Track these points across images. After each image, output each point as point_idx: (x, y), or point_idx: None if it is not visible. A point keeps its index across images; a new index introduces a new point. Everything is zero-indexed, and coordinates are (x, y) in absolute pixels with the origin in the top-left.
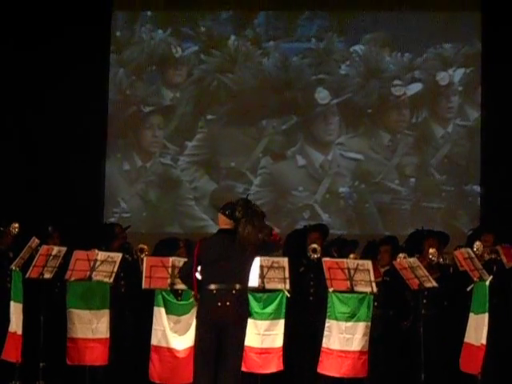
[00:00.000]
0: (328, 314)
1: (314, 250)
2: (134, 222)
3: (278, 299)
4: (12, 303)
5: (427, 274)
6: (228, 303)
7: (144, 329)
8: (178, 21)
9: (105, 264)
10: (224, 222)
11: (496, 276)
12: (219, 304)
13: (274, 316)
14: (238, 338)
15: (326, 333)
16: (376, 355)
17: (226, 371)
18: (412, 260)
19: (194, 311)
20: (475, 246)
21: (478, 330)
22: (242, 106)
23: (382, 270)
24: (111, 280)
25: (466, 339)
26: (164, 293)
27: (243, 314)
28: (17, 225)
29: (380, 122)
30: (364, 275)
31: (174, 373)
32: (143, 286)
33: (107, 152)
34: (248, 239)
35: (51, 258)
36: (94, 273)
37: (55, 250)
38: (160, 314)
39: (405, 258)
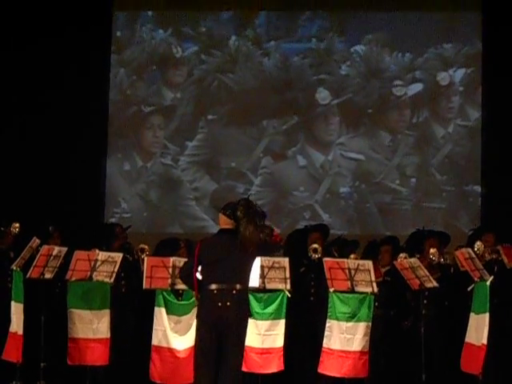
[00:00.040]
0: (329, 314)
1: (315, 250)
2: (134, 222)
3: (279, 299)
4: (13, 303)
5: (428, 274)
6: (228, 303)
7: (145, 329)
8: (179, 21)
9: (105, 264)
10: (225, 222)
11: (497, 276)
12: (219, 304)
13: (275, 316)
14: (238, 338)
15: (326, 333)
16: (377, 355)
17: (226, 371)
18: (413, 260)
19: (194, 311)
20: (476, 245)
21: (478, 330)
22: (242, 106)
23: (383, 270)
24: (112, 280)
25: (467, 339)
26: (165, 293)
27: (243, 314)
28: (17, 225)
29: (381, 122)
30: (365, 275)
31: (175, 373)
32: (144, 286)
33: (108, 152)
34: (250, 239)
35: (52, 258)
36: (94, 273)
37: (56, 250)
38: (161, 314)
39: (405, 258)
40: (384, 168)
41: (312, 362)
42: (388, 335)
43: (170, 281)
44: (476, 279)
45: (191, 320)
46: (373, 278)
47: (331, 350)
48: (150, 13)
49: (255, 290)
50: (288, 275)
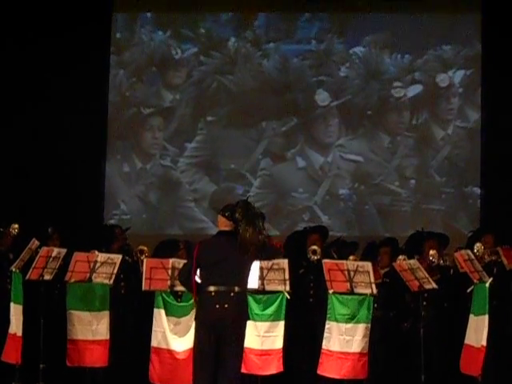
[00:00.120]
0: (328, 315)
1: (314, 252)
2: (133, 223)
3: (278, 301)
4: (12, 305)
5: (427, 275)
6: (226, 305)
7: (144, 330)
8: (178, 22)
9: (105, 265)
10: (224, 224)
11: (496, 278)
12: (217, 306)
13: (274, 317)
14: (236, 340)
15: (326, 334)
16: (376, 357)
17: (225, 373)
18: (412, 262)
19: (193, 313)
20: (476, 247)
21: (478, 331)
22: (241, 108)
23: (382, 271)
24: (111, 281)
25: (467, 341)
26: (164, 294)
27: (242, 317)
28: (16, 225)
29: (380, 123)
30: (364, 277)
31: (174, 374)
32: (143, 288)
33: (107, 153)
34: (249, 241)
35: (51, 259)
36: (93, 274)
37: (55, 251)
38: (160, 316)
39: (405, 259)
40: (383, 170)
41: (311, 364)
42: (387, 337)
43: (169, 282)
44: (475, 281)
45: (190, 321)
46: (372, 280)
47: (330, 351)
48: (149, 14)
49: (254, 292)
50: (287, 277)
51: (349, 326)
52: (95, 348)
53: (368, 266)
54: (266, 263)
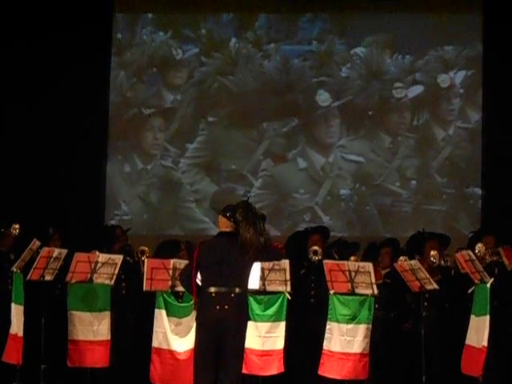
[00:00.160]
0: (329, 316)
1: (315, 252)
2: (134, 224)
3: (279, 301)
4: (13, 305)
5: (428, 276)
6: (227, 306)
7: (145, 331)
8: (179, 23)
9: (106, 266)
10: (224, 225)
11: (497, 278)
12: (218, 307)
13: (275, 318)
14: (237, 341)
15: (327, 335)
16: (377, 357)
17: (226, 374)
18: (413, 262)
19: (194, 313)
20: (477, 247)
21: (479, 332)
22: (242, 109)
23: (383, 272)
24: (112, 282)
25: (468, 341)
26: (165, 295)
27: (242, 318)
28: (17, 226)
29: (381, 124)
30: (365, 277)
31: (175, 375)
32: (144, 288)
33: (108, 154)
34: (250, 242)
35: (52, 260)
36: (94, 275)
37: (56, 251)
38: (161, 316)
39: (406, 260)
40: (384, 170)
41: (312, 364)
42: (388, 337)
43: (170, 283)
44: (476, 281)
45: (191, 322)
46: (373, 280)
47: (331, 352)
48: (150, 15)
49: (255, 292)
50: (288, 277)
51: (350, 326)
52: (96, 348)
53: (369, 266)
54: (267, 264)
